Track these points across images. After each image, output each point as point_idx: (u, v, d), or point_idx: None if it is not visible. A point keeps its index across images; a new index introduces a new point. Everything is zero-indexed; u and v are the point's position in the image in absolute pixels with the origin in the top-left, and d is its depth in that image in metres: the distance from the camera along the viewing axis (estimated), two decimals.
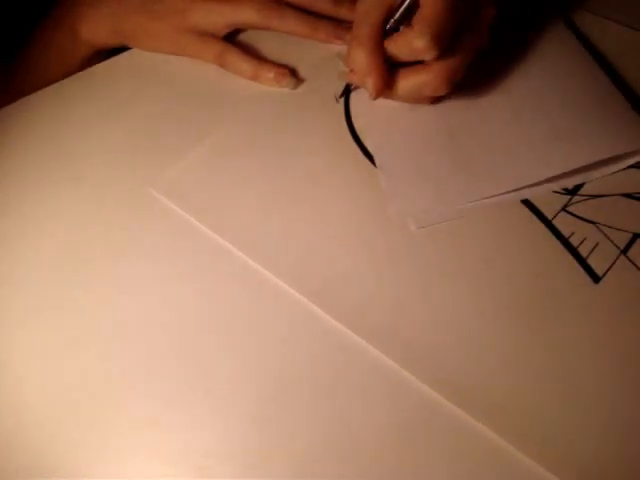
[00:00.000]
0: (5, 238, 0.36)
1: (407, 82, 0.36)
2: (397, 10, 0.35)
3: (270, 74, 0.42)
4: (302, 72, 0.44)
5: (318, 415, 0.29)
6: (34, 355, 0.32)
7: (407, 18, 0.35)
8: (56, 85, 0.44)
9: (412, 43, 0.34)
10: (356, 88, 0.42)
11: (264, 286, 0.33)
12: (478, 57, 0.37)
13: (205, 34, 0.44)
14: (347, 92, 0.42)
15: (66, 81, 0.44)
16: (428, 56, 0.34)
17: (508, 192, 0.36)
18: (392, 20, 0.35)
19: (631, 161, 0.37)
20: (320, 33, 0.44)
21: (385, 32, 0.36)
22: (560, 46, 0.42)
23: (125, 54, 0.46)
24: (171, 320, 0.32)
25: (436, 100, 0.39)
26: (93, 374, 0.31)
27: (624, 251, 0.34)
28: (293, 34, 0.44)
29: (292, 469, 0.28)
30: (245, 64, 0.43)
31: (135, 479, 0.28)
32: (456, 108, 0.39)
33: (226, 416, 0.29)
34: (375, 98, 0.37)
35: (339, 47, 0.44)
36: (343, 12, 0.44)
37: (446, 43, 0.34)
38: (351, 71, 0.38)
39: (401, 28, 0.36)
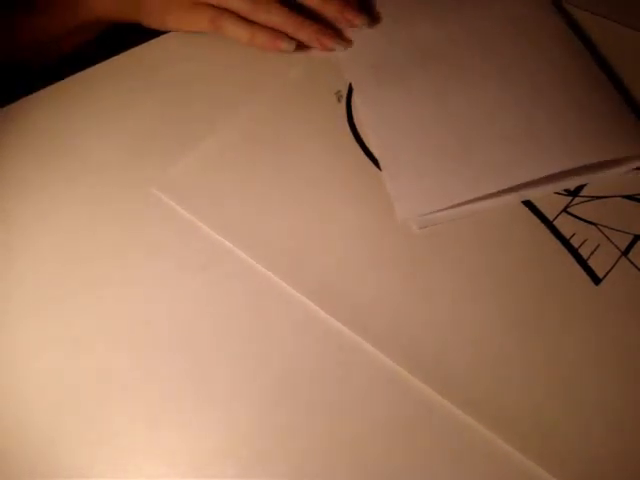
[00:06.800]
0: (6, 237, 0.36)
1: None
2: None
3: (265, 36, 0.43)
4: (302, 72, 0.44)
5: (318, 415, 0.29)
6: (34, 355, 0.31)
7: None
8: (56, 85, 0.44)
9: None
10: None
11: (265, 286, 0.33)
12: None
13: (197, 2, 0.44)
14: (349, 93, 0.42)
15: (66, 81, 0.44)
16: None
17: (510, 191, 0.36)
18: None
19: (631, 166, 0.37)
20: (302, 34, 0.44)
21: None
22: (562, 48, 0.43)
23: (125, 54, 0.46)
24: (172, 320, 0.32)
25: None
26: (93, 374, 0.31)
27: (625, 253, 0.34)
28: (276, 29, 0.44)
29: (292, 469, 0.28)
30: (240, 28, 0.43)
31: (135, 479, 0.28)
32: (459, 108, 0.39)
33: (226, 416, 0.29)
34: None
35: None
36: (328, 8, 0.45)
37: None
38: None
39: None
